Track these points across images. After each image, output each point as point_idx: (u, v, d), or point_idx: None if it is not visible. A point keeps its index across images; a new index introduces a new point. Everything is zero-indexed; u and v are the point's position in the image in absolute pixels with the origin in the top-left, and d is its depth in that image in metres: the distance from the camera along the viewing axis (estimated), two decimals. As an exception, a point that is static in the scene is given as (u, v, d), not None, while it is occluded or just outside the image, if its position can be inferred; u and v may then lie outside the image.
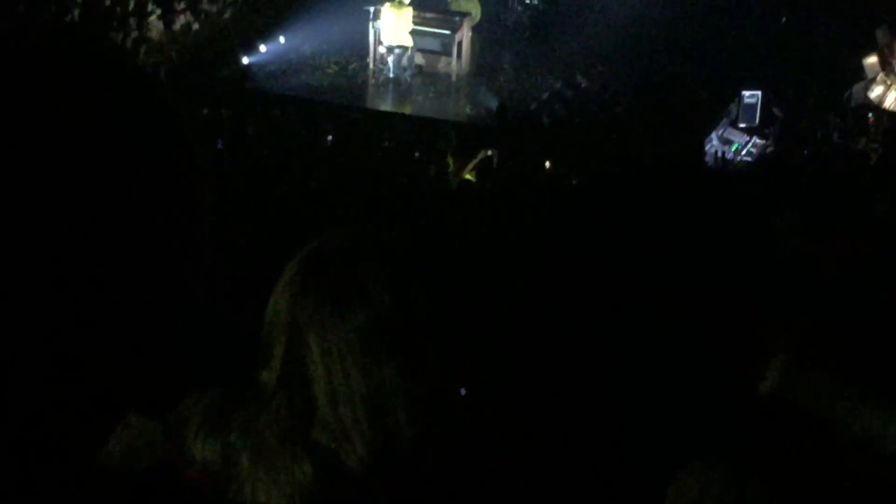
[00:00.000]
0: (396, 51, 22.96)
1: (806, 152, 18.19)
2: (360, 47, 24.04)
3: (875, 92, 19.84)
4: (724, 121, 19.66)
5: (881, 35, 20.47)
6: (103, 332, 1.13)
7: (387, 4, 22.83)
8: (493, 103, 21.97)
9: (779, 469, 1.99)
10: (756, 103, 19.44)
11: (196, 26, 23.91)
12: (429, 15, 23.88)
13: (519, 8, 26.62)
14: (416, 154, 17.69)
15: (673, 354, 1.90)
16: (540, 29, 26.28)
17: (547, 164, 16.76)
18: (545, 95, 22.44)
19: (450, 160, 16.38)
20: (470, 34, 24.21)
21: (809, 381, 2.07)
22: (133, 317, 1.16)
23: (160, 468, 1.84)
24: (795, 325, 2.08)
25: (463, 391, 2.25)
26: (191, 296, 1.26)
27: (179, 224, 1.23)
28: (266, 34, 24.41)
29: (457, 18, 23.92)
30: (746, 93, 19.47)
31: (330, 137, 18.81)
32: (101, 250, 1.12)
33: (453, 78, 23.72)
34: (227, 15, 24.97)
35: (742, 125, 19.40)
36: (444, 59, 23.79)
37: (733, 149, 18.97)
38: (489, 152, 16.86)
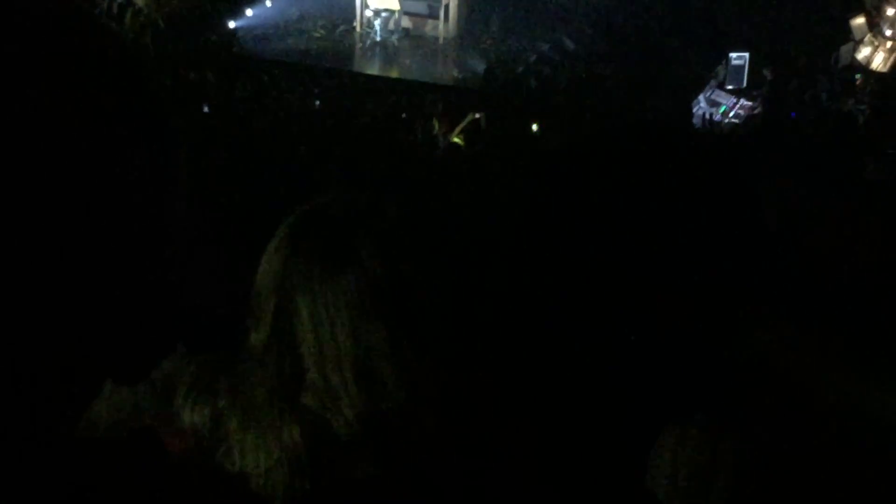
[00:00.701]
0: (383, 14, 22.89)
1: (794, 114, 18.18)
2: (347, 11, 23.97)
3: (863, 53, 19.83)
4: (712, 82, 19.64)
5: (869, -5, 20.48)
6: (83, 302, 1.12)
7: (374, -32, 22.80)
8: (481, 66, 21.92)
9: (750, 431, 2.01)
10: (744, 65, 19.43)
11: (182, -10, 23.82)
12: (416, -22, 23.85)
13: (506, -29, 26.57)
14: (404, 116, 17.66)
15: (659, 325, 1.89)
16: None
17: (534, 126, 16.72)
18: (532, 58, 22.39)
19: (435, 123, 16.33)
20: (457, -3, 24.18)
21: (789, 355, 2.08)
22: (112, 287, 1.15)
23: (145, 433, 1.84)
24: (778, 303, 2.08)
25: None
26: (173, 264, 1.25)
27: (157, 192, 1.22)
28: (253, -3, 24.35)
29: (444, -19, 23.89)
30: (734, 55, 19.45)
31: (318, 101, 18.77)
32: (74, 218, 1.10)
33: (440, 41, 23.66)
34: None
35: (730, 87, 19.38)
36: (431, 22, 23.72)
37: (721, 111, 18.96)
38: (476, 115, 16.81)
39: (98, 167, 1.13)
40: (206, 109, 16.42)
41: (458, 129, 16.43)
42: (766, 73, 19.64)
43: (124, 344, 1.22)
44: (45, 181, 1.08)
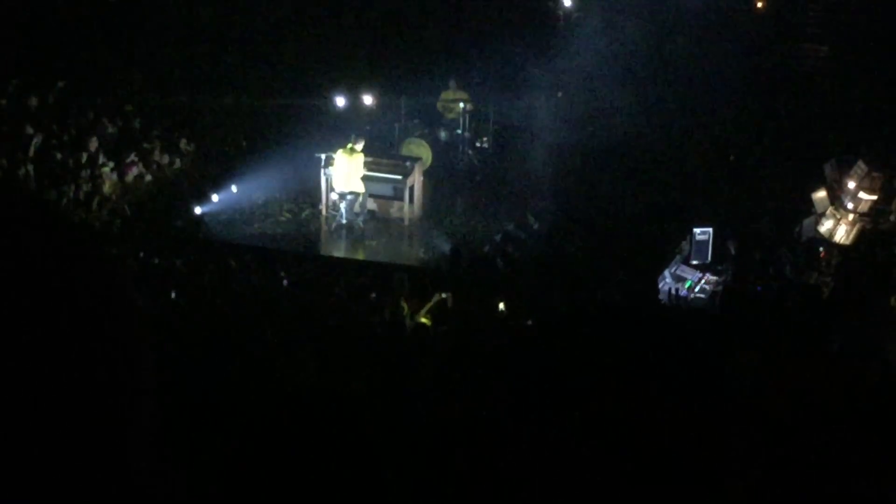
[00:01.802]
0: (349, 197, 23.07)
1: (759, 288, 18.29)
2: (312, 194, 24.17)
3: (825, 226, 20.06)
4: (677, 258, 19.78)
5: (829, 170, 20.77)
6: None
7: (339, 151, 23.00)
8: (447, 246, 22.05)
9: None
10: (708, 240, 19.58)
11: (148, 177, 23.98)
12: (380, 160, 24.07)
13: (469, 152, 26.91)
14: (373, 296, 17.69)
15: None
16: (490, 171, 26.56)
17: (501, 305, 16.78)
18: (498, 237, 22.55)
19: (404, 304, 16.38)
20: (421, 179, 24.39)
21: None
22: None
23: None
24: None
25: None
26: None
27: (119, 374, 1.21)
28: (218, 183, 24.50)
29: (408, 163, 24.12)
30: (698, 230, 19.61)
31: (285, 283, 18.80)
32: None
33: (406, 222, 23.84)
34: (178, 166, 25.07)
35: (694, 262, 19.51)
36: (396, 204, 23.92)
37: (686, 286, 19.06)
38: (443, 295, 16.88)
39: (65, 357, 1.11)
40: (173, 295, 16.44)
41: (425, 310, 16.51)
42: (730, 246, 19.82)
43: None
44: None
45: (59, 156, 22.65)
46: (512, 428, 2.17)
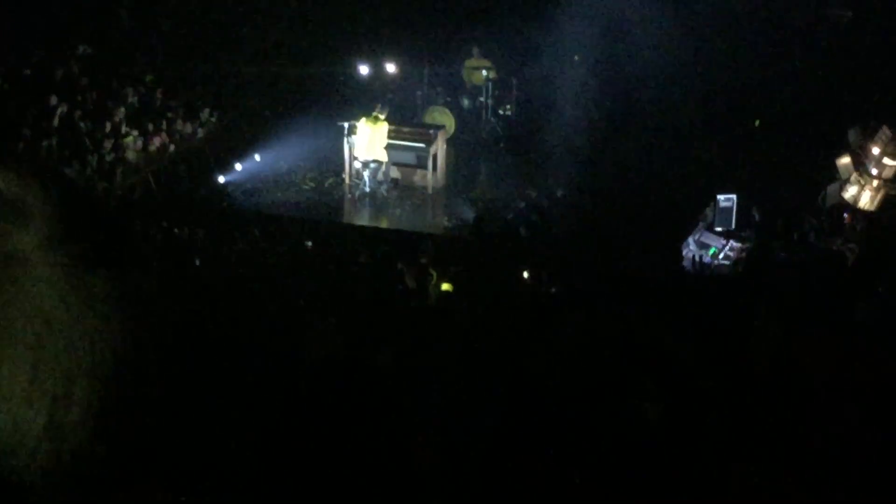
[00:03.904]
0: (372, 165, 23.08)
1: (783, 255, 18.25)
2: (335, 163, 24.18)
3: (849, 192, 19.96)
4: (701, 225, 19.74)
5: (853, 136, 20.65)
6: None
7: (361, 119, 23.00)
8: (470, 214, 22.05)
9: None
10: (732, 207, 19.53)
11: (172, 147, 24.03)
12: (403, 129, 24.06)
13: (493, 119, 26.87)
14: (399, 266, 17.72)
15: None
16: (514, 139, 26.51)
17: (525, 273, 16.77)
18: (521, 205, 22.53)
19: (432, 271, 16.40)
20: (444, 147, 24.38)
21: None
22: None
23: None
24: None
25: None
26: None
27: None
28: (241, 152, 24.55)
29: (431, 131, 24.09)
30: (722, 197, 19.56)
31: (309, 245, 18.86)
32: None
33: (429, 190, 23.83)
34: (201, 135, 25.12)
35: (718, 229, 19.47)
36: (419, 172, 23.91)
37: (710, 253, 19.02)
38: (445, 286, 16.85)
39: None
40: (197, 263, 16.50)
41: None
42: (755, 213, 19.76)
43: None
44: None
45: (82, 126, 22.71)
46: (534, 397, 2.18)
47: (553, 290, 15.32)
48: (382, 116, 23.03)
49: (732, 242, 19.28)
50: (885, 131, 20.03)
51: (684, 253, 18.99)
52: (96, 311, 1.16)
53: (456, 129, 26.03)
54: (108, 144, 22.40)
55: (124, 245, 1.30)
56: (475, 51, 27.23)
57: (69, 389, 1.16)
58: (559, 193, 22.99)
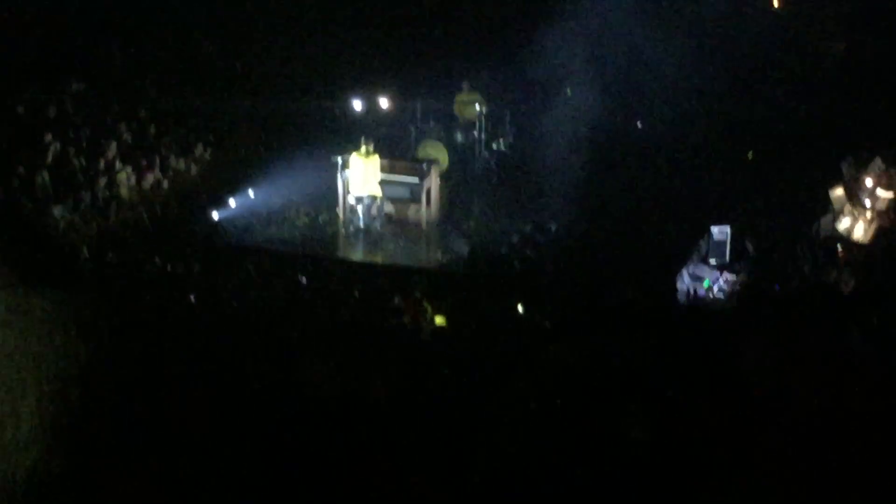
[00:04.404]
0: (366, 200, 23.08)
1: (777, 286, 18.25)
2: (329, 198, 24.16)
3: (843, 224, 19.99)
4: (695, 257, 19.75)
5: (846, 167, 20.71)
6: None
7: (354, 154, 23.01)
8: (464, 249, 22.05)
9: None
10: (725, 239, 19.55)
11: (165, 183, 24.02)
12: (397, 163, 24.08)
13: (486, 154, 26.89)
14: (395, 301, 17.68)
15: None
16: (508, 173, 26.53)
17: (519, 307, 16.77)
18: (515, 239, 22.51)
19: (427, 305, 16.40)
20: (438, 181, 24.38)
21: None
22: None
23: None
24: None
25: None
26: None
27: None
28: (235, 188, 24.52)
29: (424, 166, 24.10)
30: (715, 229, 19.58)
31: (304, 282, 18.83)
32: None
33: (423, 225, 23.81)
34: (195, 170, 25.11)
35: (712, 261, 19.47)
36: (413, 207, 23.90)
37: (704, 285, 19.02)
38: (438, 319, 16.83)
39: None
40: (192, 299, 16.49)
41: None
42: (749, 245, 19.77)
43: None
44: None
45: (76, 162, 22.71)
46: (529, 428, 2.19)
47: (547, 323, 15.31)
48: (371, 149, 23.05)
49: (726, 274, 19.28)
50: (878, 163, 20.09)
51: (678, 285, 18.99)
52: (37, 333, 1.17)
53: (449, 164, 26.04)
54: (101, 181, 22.39)
55: (67, 268, 1.30)
56: (465, 85, 27.26)
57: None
58: (553, 227, 22.97)
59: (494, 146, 27.14)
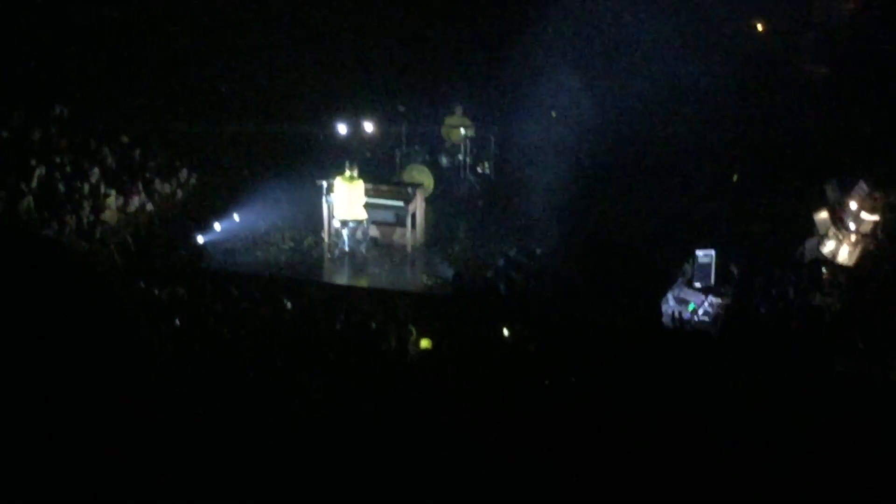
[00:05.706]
0: (350, 224, 23.06)
1: (762, 310, 18.27)
2: (314, 222, 24.16)
3: (828, 247, 20.04)
4: (680, 280, 19.77)
5: (831, 190, 20.79)
6: None
7: (338, 178, 23.00)
8: (450, 272, 22.06)
9: None
10: (710, 262, 19.57)
11: (150, 207, 24.02)
12: (381, 187, 24.11)
13: (471, 177, 26.94)
14: (374, 325, 17.66)
15: None
16: (493, 197, 26.58)
17: (505, 331, 16.76)
18: (500, 262, 22.52)
19: (412, 328, 16.40)
20: (423, 205, 24.42)
21: None
22: None
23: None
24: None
25: None
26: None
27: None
28: (220, 212, 24.51)
29: (409, 190, 24.14)
30: (700, 252, 19.61)
31: (289, 307, 18.80)
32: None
33: (408, 249, 23.83)
34: (180, 195, 25.12)
35: (697, 284, 19.49)
36: (398, 231, 23.92)
37: (689, 308, 19.03)
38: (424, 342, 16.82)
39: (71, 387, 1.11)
40: (177, 323, 16.44)
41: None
42: (734, 269, 19.80)
43: None
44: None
45: (61, 187, 22.69)
46: (516, 451, 2.18)
47: (532, 346, 15.31)
48: (354, 173, 23.04)
49: (711, 298, 19.30)
50: (862, 186, 20.17)
51: (664, 309, 19.01)
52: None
53: (434, 187, 26.08)
54: (86, 205, 22.38)
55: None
56: (458, 108, 27.34)
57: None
58: (538, 251, 22.99)
59: (479, 170, 27.20)
